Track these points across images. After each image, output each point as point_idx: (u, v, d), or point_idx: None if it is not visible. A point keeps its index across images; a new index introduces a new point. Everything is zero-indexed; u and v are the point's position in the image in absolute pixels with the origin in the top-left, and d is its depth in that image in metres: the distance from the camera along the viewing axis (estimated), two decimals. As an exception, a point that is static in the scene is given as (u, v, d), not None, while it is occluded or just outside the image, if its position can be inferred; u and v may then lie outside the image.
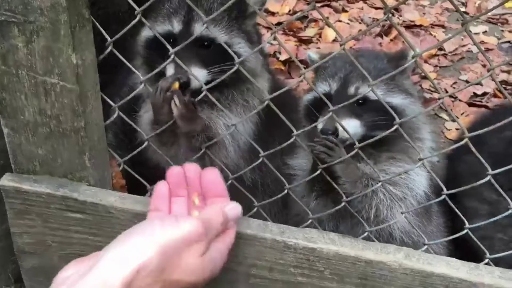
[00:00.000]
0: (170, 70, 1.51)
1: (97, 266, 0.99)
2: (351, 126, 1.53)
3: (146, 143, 1.48)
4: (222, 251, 1.18)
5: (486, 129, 1.26)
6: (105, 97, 1.43)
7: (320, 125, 1.53)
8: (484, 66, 3.75)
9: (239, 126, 1.56)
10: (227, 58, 1.34)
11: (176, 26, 1.57)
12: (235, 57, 1.26)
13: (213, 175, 1.28)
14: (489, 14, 4.36)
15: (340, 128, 1.49)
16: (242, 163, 1.68)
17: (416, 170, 1.63)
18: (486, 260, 1.44)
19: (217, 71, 1.52)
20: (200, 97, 1.37)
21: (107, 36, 1.32)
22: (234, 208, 1.23)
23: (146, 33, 1.66)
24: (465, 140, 1.26)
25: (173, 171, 1.28)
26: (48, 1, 1.15)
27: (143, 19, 1.24)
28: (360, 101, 1.59)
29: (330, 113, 1.31)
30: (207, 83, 1.45)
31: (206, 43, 1.54)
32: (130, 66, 1.39)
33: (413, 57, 1.22)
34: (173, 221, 1.09)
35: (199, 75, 1.49)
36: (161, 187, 1.27)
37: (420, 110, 1.69)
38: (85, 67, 1.27)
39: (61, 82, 1.26)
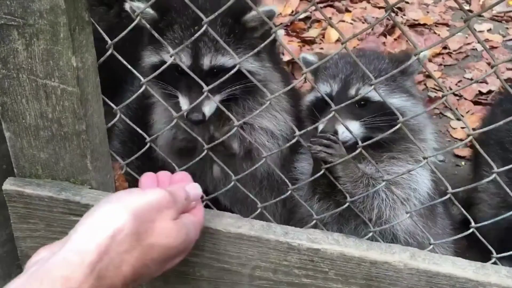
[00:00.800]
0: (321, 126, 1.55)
1: (70, 239, 0.97)
2: (352, 128, 1.51)
3: (148, 145, 1.47)
4: (194, 223, 1.19)
5: (491, 126, 1.25)
6: (106, 99, 1.43)
7: (320, 126, 1.52)
8: (489, 64, 3.72)
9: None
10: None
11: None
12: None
13: (182, 175, 1.33)
14: (494, 12, 4.33)
15: (340, 130, 1.49)
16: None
17: (419, 171, 1.62)
18: (493, 259, 1.43)
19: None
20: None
21: (107, 39, 1.32)
22: (194, 188, 1.25)
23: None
24: (470, 137, 1.25)
25: (147, 175, 1.30)
26: (47, 3, 1.14)
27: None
28: (361, 102, 1.59)
29: (331, 114, 1.29)
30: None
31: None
32: (132, 69, 1.38)
33: (415, 55, 1.20)
34: (140, 191, 1.11)
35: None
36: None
37: (423, 111, 1.67)
38: (86, 70, 1.26)
39: (61, 85, 1.25)
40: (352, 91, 1.61)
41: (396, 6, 4.47)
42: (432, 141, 1.72)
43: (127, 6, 1.50)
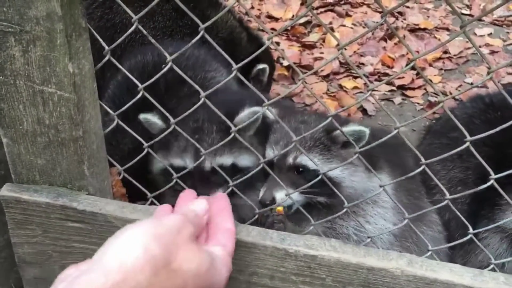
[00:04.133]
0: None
1: (97, 259, 0.97)
2: (291, 195, 1.58)
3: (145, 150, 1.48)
4: (221, 254, 1.15)
5: (487, 133, 1.25)
6: (103, 105, 1.43)
7: (260, 193, 1.64)
8: (489, 68, 3.71)
9: None
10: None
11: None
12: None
13: (186, 192, 1.35)
14: (494, 16, 4.34)
15: (277, 197, 1.61)
16: None
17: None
18: (491, 266, 1.42)
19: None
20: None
21: (104, 45, 1.32)
22: (200, 203, 1.23)
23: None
24: (467, 144, 1.25)
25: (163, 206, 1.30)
26: (44, 10, 1.15)
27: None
28: (300, 170, 1.67)
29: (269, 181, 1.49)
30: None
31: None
32: (131, 76, 1.38)
33: (412, 61, 1.20)
34: (157, 220, 1.09)
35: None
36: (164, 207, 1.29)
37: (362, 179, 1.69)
38: (82, 76, 1.27)
39: (58, 91, 1.25)
40: (290, 160, 1.68)
41: (396, 11, 4.48)
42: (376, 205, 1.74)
43: (140, 117, 1.77)
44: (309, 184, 1.49)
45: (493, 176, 1.28)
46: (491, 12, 1.18)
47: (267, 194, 1.62)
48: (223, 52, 1.32)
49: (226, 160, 1.75)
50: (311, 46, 4.01)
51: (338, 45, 1.18)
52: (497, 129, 1.19)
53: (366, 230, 1.68)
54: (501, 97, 2.15)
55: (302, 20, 4.27)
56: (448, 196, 1.34)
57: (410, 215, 1.41)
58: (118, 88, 2.27)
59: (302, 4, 4.53)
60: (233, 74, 1.31)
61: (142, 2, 2.61)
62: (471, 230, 1.40)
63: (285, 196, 1.58)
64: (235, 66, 1.29)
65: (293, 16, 4.37)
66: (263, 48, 1.27)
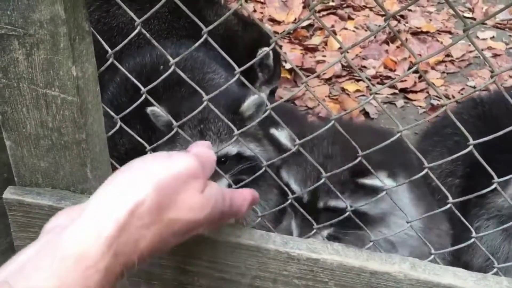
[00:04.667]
0: None
1: (88, 209, 0.91)
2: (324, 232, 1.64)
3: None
4: (224, 192, 1.12)
5: (492, 136, 1.25)
6: (106, 108, 1.44)
7: (294, 232, 1.65)
8: (492, 71, 3.71)
9: None
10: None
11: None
12: None
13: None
14: (497, 19, 4.34)
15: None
16: None
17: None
18: (495, 270, 1.42)
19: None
20: None
21: (107, 48, 1.32)
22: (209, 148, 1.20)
23: None
24: (470, 147, 1.25)
25: None
26: (48, 14, 1.15)
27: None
28: (329, 210, 1.66)
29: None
30: None
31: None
32: (132, 78, 1.39)
33: (415, 64, 1.20)
34: (166, 157, 1.03)
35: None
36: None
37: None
38: (86, 79, 1.27)
39: (61, 95, 1.25)
40: (321, 204, 1.67)
41: (398, 14, 4.48)
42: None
43: (148, 110, 1.77)
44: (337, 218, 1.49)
45: (496, 179, 1.27)
46: (494, 16, 1.18)
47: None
48: (226, 56, 1.32)
49: (232, 149, 1.73)
50: (313, 49, 4.01)
51: (340, 48, 1.19)
52: (500, 132, 1.18)
53: (392, 240, 1.70)
54: (488, 93, 2.18)
55: (304, 23, 4.28)
56: (451, 199, 1.34)
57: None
58: (117, 90, 2.28)
59: (304, 7, 4.54)
60: (235, 78, 1.32)
61: (138, 6, 2.63)
62: (474, 234, 1.40)
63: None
64: (237, 70, 1.30)
65: (295, 19, 4.38)
66: (269, 49, 1.27)
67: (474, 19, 4.41)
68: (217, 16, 2.89)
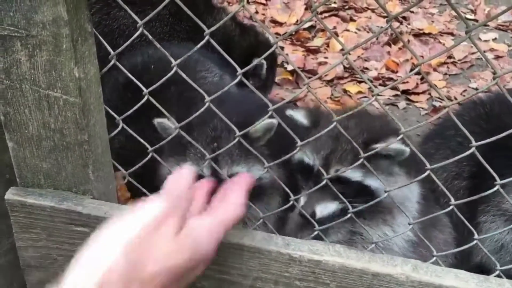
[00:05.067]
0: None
1: (67, 282, 0.95)
2: (329, 208, 1.59)
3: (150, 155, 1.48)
4: (208, 227, 1.09)
5: (495, 137, 1.25)
6: (109, 109, 1.44)
7: (301, 201, 1.60)
8: (494, 73, 3.70)
9: None
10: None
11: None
12: None
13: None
14: (499, 21, 4.33)
15: (317, 211, 1.58)
16: None
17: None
18: (497, 272, 1.41)
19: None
20: None
21: (110, 50, 1.33)
22: (187, 171, 1.17)
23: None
24: (473, 149, 1.24)
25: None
26: (50, 15, 1.15)
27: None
28: (340, 181, 1.62)
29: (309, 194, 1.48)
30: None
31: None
32: (135, 80, 1.39)
33: (417, 66, 1.20)
34: (133, 212, 1.03)
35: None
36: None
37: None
38: (88, 81, 1.27)
39: (64, 96, 1.26)
40: (331, 172, 1.63)
41: (401, 16, 4.48)
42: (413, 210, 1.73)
43: (155, 122, 1.73)
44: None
45: (499, 181, 1.27)
46: (496, 17, 1.18)
47: (307, 207, 1.58)
48: (228, 58, 1.32)
49: (242, 169, 1.75)
50: (315, 51, 4.01)
51: (342, 49, 1.19)
52: (503, 134, 1.18)
53: (391, 239, 1.69)
54: (489, 94, 2.19)
55: (306, 25, 4.27)
56: (453, 201, 1.34)
57: (428, 220, 1.43)
58: (110, 91, 2.27)
59: (306, 8, 4.54)
60: (237, 79, 1.32)
61: (139, 8, 2.64)
62: (476, 236, 1.40)
63: (325, 209, 1.58)
64: (239, 71, 1.30)
65: (297, 21, 4.37)
66: (270, 51, 1.28)
67: (476, 20, 4.40)
68: (216, 21, 2.90)
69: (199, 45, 1.32)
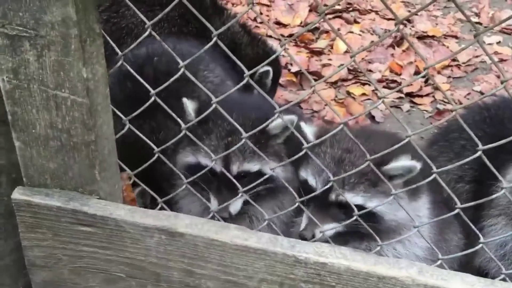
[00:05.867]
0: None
1: None
2: (328, 231, 1.56)
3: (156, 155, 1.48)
4: None
5: (497, 143, 1.24)
6: (116, 110, 1.44)
7: (302, 225, 1.60)
8: (498, 77, 3.70)
9: None
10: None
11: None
12: None
13: None
14: (503, 24, 4.32)
15: (317, 234, 1.54)
16: None
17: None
18: (502, 276, 1.41)
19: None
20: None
21: (117, 50, 1.33)
22: None
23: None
24: (479, 153, 1.24)
25: None
26: (59, 15, 1.16)
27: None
28: (342, 206, 1.61)
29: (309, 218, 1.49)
30: None
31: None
32: (143, 81, 1.39)
33: (425, 69, 1.20)
34: None
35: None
36: None
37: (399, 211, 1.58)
38: (96, 81, 1.27)
39: (71, 96, 1.26)
40: (333, 196, 1.61)
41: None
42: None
43: (184, 100, 1.76)
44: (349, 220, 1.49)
45: (505, 185, 1.27)
46: (505, 21, 1.18)
47: (308, 231, 1.56)
48: (235, 59, 1.33)
49: (254, 166, 1.74)
50: (319, 53, 4.00)
51: (347, 51, 1.19)
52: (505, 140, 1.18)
53: (401, 255, 1.67)
54: (494, 98, 2.18)
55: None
56: (459, 205, 1.33)
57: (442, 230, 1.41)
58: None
59: (310, 10, 4.54)
60: (244, 81, 1.32)
61: (148, 8, 2.64)
62: (482, 239, 1.39)
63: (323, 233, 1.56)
64: (247, 73, 1.30)
65: (301, 22, 4.37)
66: (276, 55, 1.28)
67: (480, 23, 4.40)
68: (224, 25, 2.90)
69: (207, 46, 1.33)
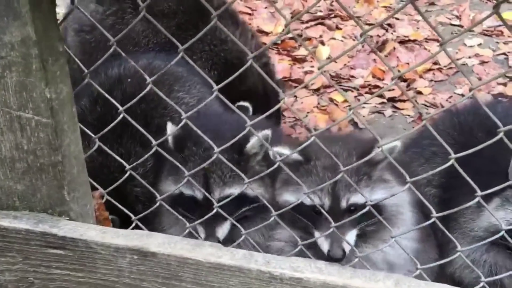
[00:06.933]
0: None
1: None
2: (352, 236, 1.58)
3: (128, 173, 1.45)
4: None
5: (473, 149, 1.23)
6: (84, 128, 1.42)
7: (325, 246, 1.54)
8: (480, 79, 3.72)
9: None
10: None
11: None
12: None
13: None
14: (484, 26, 4.34)
15: (347, 249, 1.52)
16: None
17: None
18: (481, 284, 1.40)
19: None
20: None
21: (83, 68, 1.31)
22: None
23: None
24: (452, 161, 1.23)
25: None
26: (19, 35, 1.13)
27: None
28: (351, 209, 1.61)
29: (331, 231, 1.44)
30: None
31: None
32: (110, 98, 1.37)
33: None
34: None
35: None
36: None
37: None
38: (60, 100, 1.25)
39: (35, 117, 1.24)
40: (343, 203, 1.60)
41: (386, 23, 4.49)
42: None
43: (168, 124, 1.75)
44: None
45: (479, 193, 1.26)
46: (477, 25, 1.18)
47: (337, 249, 1.51)
48: (201, 72, 1.32)
49: (235, 190, 1.71)
50: (301, 60, 4.00)
51: (329, 57, 1.17)
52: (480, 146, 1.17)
53: (390, 254, 1.68)
54: (463, 104, 2.18)
55: (292, 34, 4.27)
56: (434, 214, 1.32)
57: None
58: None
59: (292, 17, 4.55)
60: (213, 95, 1.30)
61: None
62: (459, 247, 1.38)
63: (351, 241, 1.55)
64: (215, 87, 1.28)
65: (283, 30, 4.37)
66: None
67: (462, 26, 4.42)
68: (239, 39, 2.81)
69: (174, 61, 1.31)
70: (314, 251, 1.52)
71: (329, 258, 1.50)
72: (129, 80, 2.10)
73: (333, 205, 1.60)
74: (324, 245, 1.55)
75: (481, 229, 1.76)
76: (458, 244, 1.38)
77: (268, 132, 1.63)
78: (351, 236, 1.59)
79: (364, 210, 1.41)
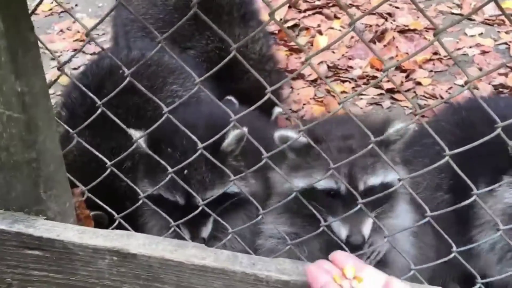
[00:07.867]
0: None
1: None
2: (370, 223, 1.48)
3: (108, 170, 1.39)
4: None
5: (469, 145, 1.17)
6: (62, 124, 1.35)
7: (343, 232, 1.46)
8: (480, 69, 3.64)
9: None
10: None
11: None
12: None
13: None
14: (485, 15, 4.25)
15: (366, 233, 1.46)
16: None
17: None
18: (478, 285, 1.34)
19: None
20: None
21: (56, 57, 1.24)
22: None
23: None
24: (446, 158, 1.17)
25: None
26: (-15, 26, 1.06)
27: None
28: (370, 191, 1.50)
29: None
30: None
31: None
32: (89, 92, 1.30)
33: (384, 70, 1.12)
34: None
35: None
36: None
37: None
38: (33, 95, 1.18)
39: (7, 112, 1.17)
40: (361, 186, 1.50)
41: (385, 12, 4.40)
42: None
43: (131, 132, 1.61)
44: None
45: (475, 191, 1.20)
46: (474, 13, 1.11)
47: (357, 235, 1.44)
48: (184, 65, 1.24)
49: (216, 192, 1.68)
50: (298, 50, 3.92)
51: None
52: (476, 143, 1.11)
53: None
54: (466, 99, 2.11)
55: (289, 24, 4.20)
56: (429, 213, 1.26)
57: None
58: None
59: (290, 7, 4.46)
60: (196, 88, 1.24)
61: None
62: (454, 248, 1.32)
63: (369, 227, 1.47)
64: (197, 80, 1.21)
65: (280, 19, 4.28)
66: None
67: (463, 15, 4.32)
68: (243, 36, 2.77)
69: (153, 52, 1.24)
70: (321, 239, 1.47)
71: (347, 244, 1.42)
72: (120, 71, 2.04)
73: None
74: (342, 231, 1.46)
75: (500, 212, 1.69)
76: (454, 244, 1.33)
77: (241, 131, 1.51)
78: (368, 222, 1.48)
79: (397, 186, 1.36)
